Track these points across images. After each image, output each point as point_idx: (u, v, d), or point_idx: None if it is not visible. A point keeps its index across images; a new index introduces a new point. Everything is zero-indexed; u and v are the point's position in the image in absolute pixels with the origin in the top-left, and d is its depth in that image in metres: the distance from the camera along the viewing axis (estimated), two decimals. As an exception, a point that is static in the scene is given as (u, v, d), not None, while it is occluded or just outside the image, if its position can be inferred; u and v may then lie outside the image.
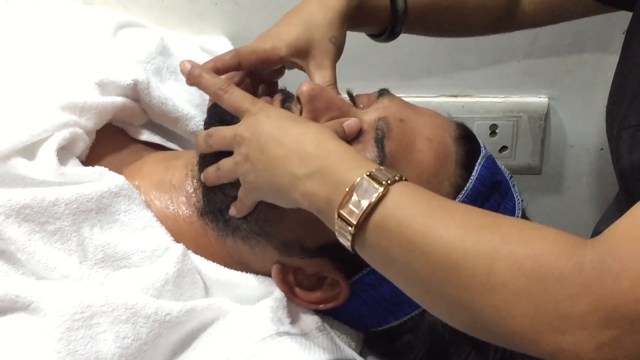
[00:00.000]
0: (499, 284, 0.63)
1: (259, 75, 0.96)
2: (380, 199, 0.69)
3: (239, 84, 0.93)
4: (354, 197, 0.70)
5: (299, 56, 0.90)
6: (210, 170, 0.86)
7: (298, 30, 0.90)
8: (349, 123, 0.85)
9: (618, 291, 0.59)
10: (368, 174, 0.70)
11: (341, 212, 0.70)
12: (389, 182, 0.69)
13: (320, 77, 0.89)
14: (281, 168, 0.76)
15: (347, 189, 0.70)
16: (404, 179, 0.71)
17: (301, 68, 0.91)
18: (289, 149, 0.76)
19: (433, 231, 0.67)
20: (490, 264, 0.64)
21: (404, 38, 1.04)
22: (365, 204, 0.69)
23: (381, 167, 0.72)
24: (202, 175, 0.87)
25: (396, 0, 0.98)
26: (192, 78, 0.85)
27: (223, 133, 0.83)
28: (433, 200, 0.70)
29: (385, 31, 1.01)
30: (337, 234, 0.72)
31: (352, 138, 0.85)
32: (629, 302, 0.59)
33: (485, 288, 0.64)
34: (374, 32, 1.03)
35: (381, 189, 0.69)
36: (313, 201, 0.74)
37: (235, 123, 0.84)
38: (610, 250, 0.61)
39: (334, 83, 0.89)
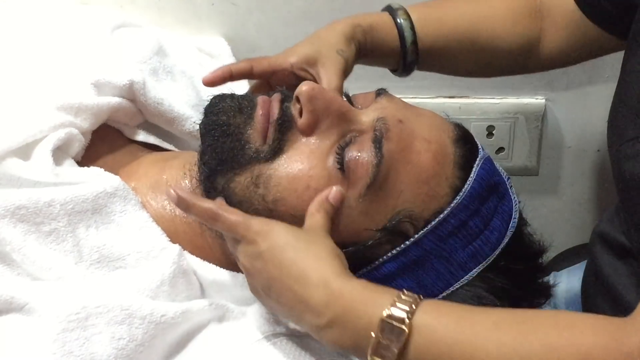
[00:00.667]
0: None
1: None
2: (408, 337, 0.70)
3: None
4: (382, 342, 0.70)
5: (308, 64, 0.93)
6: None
7: (308, 45, 0.95)
8: (333, 195, 0.83)
9: None
10: (387, 313, 0.70)
11: (375, 358, 0.71)
12: (409, 315, 0.70)
13: (328, 82, 0.91)
14: (295, 314, 0.77)
15: (372, 334, 0.70)
16: (420, 300, 0.72)
17: (310, 77, 0.93)
18: (295, 295, 0.75)
19: (474, 358, 0.68)
20: None
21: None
22: (395, 347, 0.70)
23: (394, 299, 0.71)
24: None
25: (403, 30, 1.00)
26: (182, 208, 0.82)
27: (229, 245, 0.83)
28: (461, 318, 0.71)
29: (400, 65, 1.03)
30: None
31: (339, 205, 0.83)
32: None
33: None
34: (389, 65, 1.05)
35: (406, 328, 0.69)
36: (340, 348, 0.75)
37: (234, 125, 0.86)
38: None
39: (341, 90, 0.91)
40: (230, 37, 1.28)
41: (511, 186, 0.92)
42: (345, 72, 0.94)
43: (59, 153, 0.89)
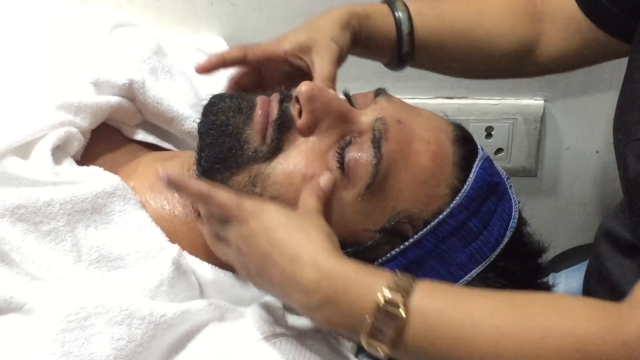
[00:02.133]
0: None
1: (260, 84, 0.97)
2: (404, 321, 0.69)
3: (245, 87, 0.93)
4: (377, 326, 0.70)
5: (302, 52, 0.92)
6: (207, 236, 0.85)
7: (302, 32, 0.93)
8: (324, 181, 0.83)
9: None
10: (383, 298, 0.69)
11: (370, 340, 0.71)
12: (404, 299, 0.69)
13: (320, 70, 0.89)
14: (287, 293, 0.76)
15: (367, 319, 0.70)
16: (415, 282, 0.71)
17: (304, 65, 0.92)
18: (286, 274, 0.74)
19: (471, 344, 0.68)
20: None
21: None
22: (391, 331, 0.69)
23: (389, 282, 0.70)
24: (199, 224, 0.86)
25: (401, 20, 0.98)
26: (172, 188, 0.81)
27: (217, 228, 0.81)
28: (457, 303, 0.70)
29: (394, 57, 1.01)
30: (368, 348, 0.72)
31: (332, 194, 0.83)
32: None
33: None
34: (383, 57, 1.03)
35: (402, 313, 0.69)
36: (332, 329, 0.75)
37: (233, 126, 0.86)
38: None
39: (333, 78, 0.89)
40: (229, 37, 1.28)
41: (511, 186, 0.92)
42: (340, 59, 0.93)
43: (58, 152, 0.89)
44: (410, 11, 1.00)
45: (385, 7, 1.01)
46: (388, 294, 0.69)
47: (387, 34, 0.99)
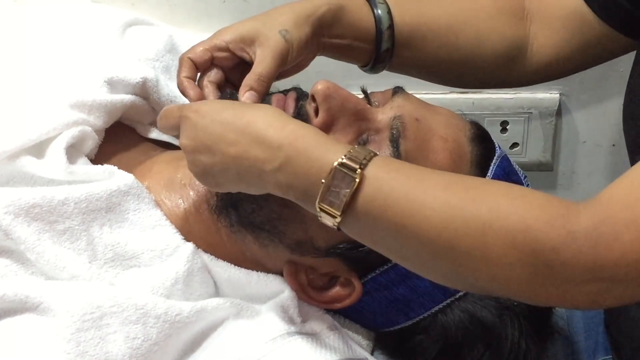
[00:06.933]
0: (494, 258, 0.65)
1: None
2: (359, 186, 0.68)
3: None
4: (332, 188, 0.69)
5: (245, 43, 0.86)
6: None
7: (250, 22, 0.88)
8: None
9: (610, 258, 0.62)
10: (340, 161, 0.69)
11: (322, 205, 0.70)
12: (362, 166, 0.68)
13: (257, 63, 0.84)
14: (244, 165, 0.74)
15: (322, 181, 0.69)
16: (374, 155, 0.70)
17: (249, 58, 0.87)
18: (245, 143, 0.73)
19: (420, 213, 0.67)
20: (483, 240, 0.65)
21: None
22: (344, 194, 0.68)
23: (350, 149, 0.70)
24: None
25: (379, 12, 0.92)
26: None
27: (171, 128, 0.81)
28: (412, 176, 0.69)
29: (371, 55, 0.94)
30: (320, 219, 0.71)
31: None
32: (619, 267, 0.62)
33: (480, 262, 0.66)
34: (359, 57, 0.95)
35: (357, 177, 0.68)
36: (287, 193, 0.73)
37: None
38: (605, 218, 0.62)
39: (271, 77, 0.84)
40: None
41: (528, 185, 0.91)
42: (286, 55, 0.85)
43: (72, 151, 0.89)
44: (390, 5, 0.93)
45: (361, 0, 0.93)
46: (346, 158, 0.69)
47: (364, 27, 0.92)
